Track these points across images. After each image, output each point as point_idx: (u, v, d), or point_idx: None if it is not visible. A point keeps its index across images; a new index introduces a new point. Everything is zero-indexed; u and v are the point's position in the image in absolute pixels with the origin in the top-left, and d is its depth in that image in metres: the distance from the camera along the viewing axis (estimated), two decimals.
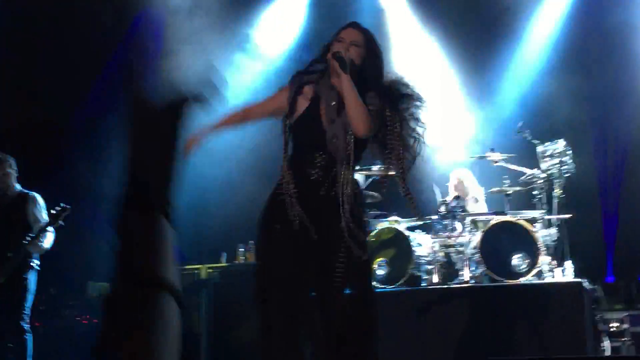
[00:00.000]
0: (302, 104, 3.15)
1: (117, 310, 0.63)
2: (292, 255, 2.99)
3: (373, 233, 5.99)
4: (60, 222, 5.52)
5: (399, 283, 5.89)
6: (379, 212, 6.59)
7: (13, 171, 5.75)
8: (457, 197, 6.12)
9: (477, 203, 6.72)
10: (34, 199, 5.70)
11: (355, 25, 3.19)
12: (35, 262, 5.62)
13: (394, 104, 3.08)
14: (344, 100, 3.03)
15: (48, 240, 5.58)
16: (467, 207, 6.33)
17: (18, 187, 5.77)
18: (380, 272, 5.89)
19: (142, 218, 0.73)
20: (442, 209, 6.06)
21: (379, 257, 5.93)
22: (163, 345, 0.63)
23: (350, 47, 3.08)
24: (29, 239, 5.45)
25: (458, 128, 8.07)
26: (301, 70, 3.22)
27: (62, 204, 5.50)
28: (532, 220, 6.06)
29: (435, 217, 6.10)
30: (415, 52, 8.71)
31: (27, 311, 5.57)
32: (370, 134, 3.06)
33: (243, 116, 3.31)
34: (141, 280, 0.66)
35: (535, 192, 6.28)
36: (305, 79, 3.17)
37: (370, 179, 6.18)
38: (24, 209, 5.64)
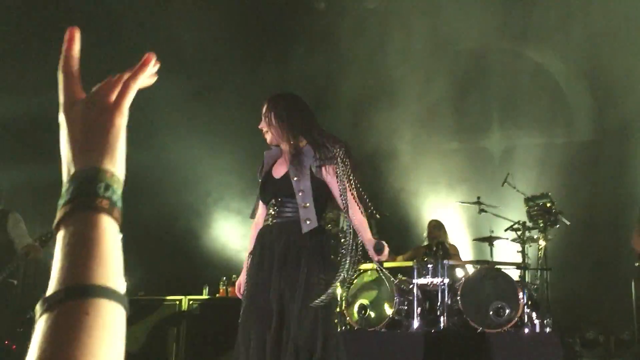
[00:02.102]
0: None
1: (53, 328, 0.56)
2: None
3: (356, 274, 5.97)
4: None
5: (380, 326, 5.87)
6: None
7: None
8: (440, 243, 6.14)
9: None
10: (16, 217, 5.67)
11: (266, 100, 3.69)
12: (15, 282, 5.60)
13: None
14: None
15: None
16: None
17: None
18: (362, 314, 5.87)
19: (87, 217, 0.65)
20: (425, 254, 6.08)
21: (360, 299, 5.92)
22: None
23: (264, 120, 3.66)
24: (19, 259, 5.40)
25: (446, 175, 8.13)
26: None
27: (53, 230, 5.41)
28: (515, 271, 6.07)
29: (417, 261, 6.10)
30: (403, 93, 8.82)
31: None
32: None
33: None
34: (81, 288, 0.59)
35: (519, 243, 6.32)
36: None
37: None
38: (5, 227, 5.61)
